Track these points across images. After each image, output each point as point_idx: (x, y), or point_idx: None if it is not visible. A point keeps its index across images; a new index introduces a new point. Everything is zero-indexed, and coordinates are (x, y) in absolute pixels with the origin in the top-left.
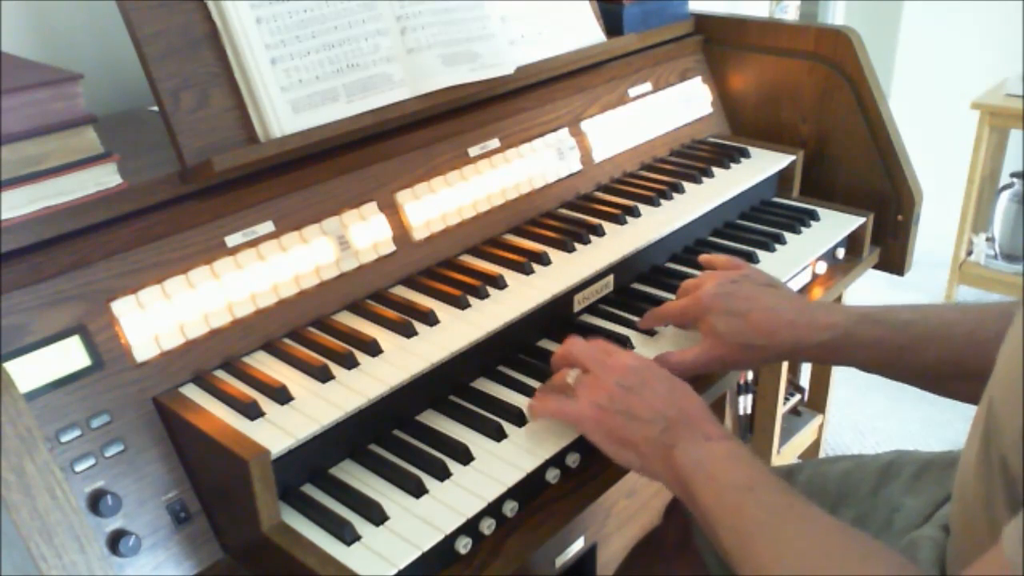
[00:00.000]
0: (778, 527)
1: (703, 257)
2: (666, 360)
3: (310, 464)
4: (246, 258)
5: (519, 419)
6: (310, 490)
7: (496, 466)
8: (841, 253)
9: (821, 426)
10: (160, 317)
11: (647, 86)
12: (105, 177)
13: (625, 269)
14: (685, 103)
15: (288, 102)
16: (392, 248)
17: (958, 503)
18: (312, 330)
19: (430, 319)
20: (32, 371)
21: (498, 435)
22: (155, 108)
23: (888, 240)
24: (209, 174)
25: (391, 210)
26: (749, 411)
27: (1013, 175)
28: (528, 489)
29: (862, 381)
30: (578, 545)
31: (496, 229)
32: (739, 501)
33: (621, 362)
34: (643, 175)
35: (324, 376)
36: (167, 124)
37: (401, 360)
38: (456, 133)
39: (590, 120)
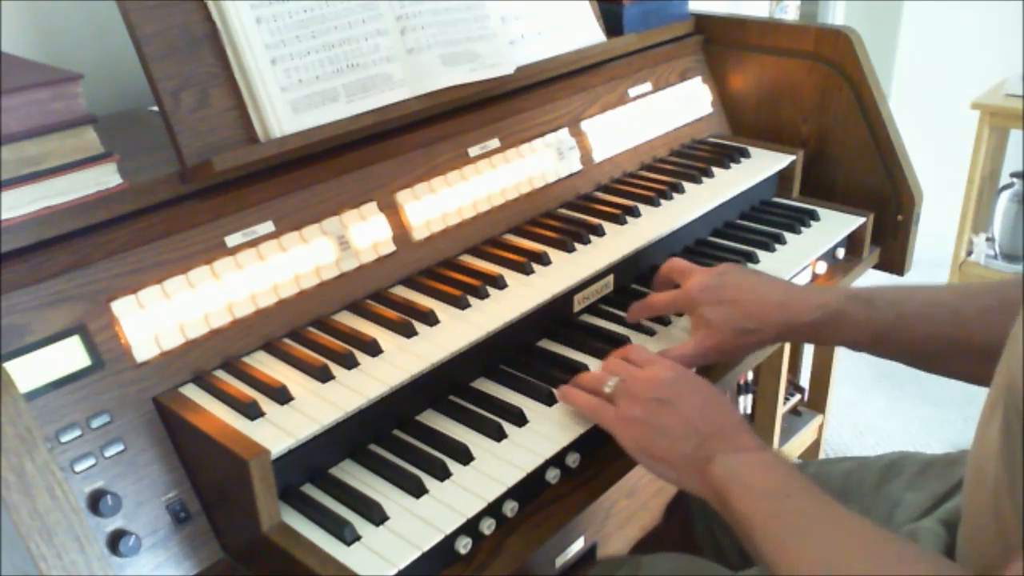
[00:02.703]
0: (817, 532)
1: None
2: (665, 356)
3: (310, 464)
4: (246, 258)
5: (519, 419)
6: (310, 490)
7: (496, 466)
8: (841, 253)
9: (821, 426)
10: (160, 317)
11: (647, 86)
12: (105, 177)
13: (625, 269)
14: (685, 103)
15: (288, 102)
16: (392, 248)
17: (972, 491)
18: (312, 330)
19: (430, 319)
20: (32, 371)
21: (498, 435)
22: (155, 108)
23: (888, 240)
24: (209, 174)
25: (391, 210)
26: (749, 411)
27: (1013, 175)
28: (528, 489)
29: (862, 381)
30: (578, 545)
31: (496, 229)
32: (775, 508)
33: (655, 375)
34: (643, 175)
35: (324, 376)
36: (167, 124)
37: (401, 360)
38: (456, 133)
39: (590, 120)
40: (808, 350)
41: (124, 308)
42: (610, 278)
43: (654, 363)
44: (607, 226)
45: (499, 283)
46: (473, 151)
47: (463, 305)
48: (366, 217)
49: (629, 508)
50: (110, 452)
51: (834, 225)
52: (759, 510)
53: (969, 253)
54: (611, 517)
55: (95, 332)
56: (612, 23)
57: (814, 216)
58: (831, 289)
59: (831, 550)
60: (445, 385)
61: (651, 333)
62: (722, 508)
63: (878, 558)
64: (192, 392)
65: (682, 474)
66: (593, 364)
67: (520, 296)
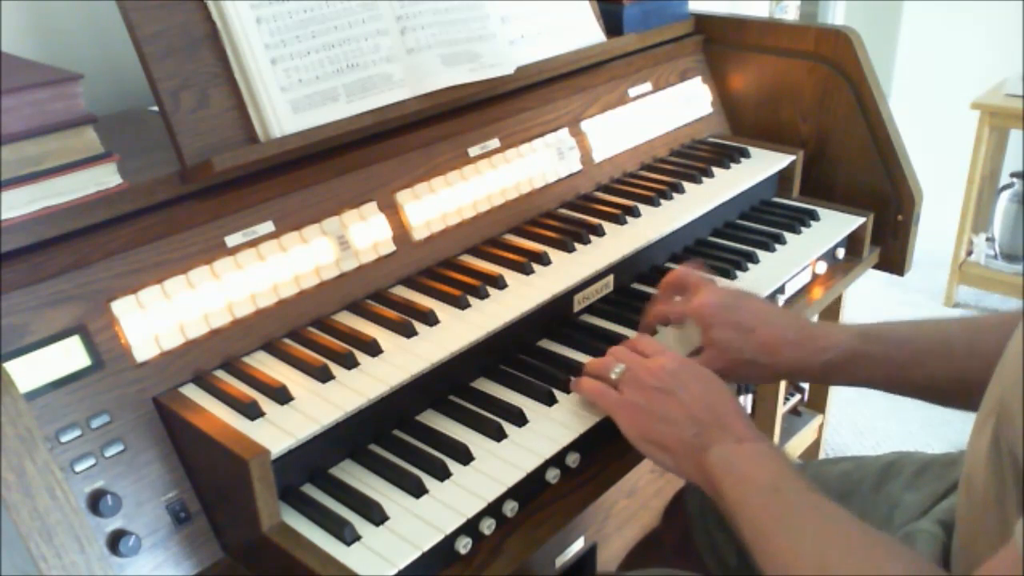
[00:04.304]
0: (800, 525)
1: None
2: None
3: (310, 464)
4: (246, 258)
5: (519, 419)
6: (310, 490)
7: (496, 466)
8: (841, 253)
9: (821, 426)
10: (160, 317)
11: (647, 86)
12: (105, 177)
13: (625, 269)
14: (685, 103)
15: (288, 102)
16: (392, 248)
17: (965, 497)
18: (312, 330)
19: (430, 319)
20: (32, 371)
21: (498, 435)
22: (155, 108)
23: (888, 240)
24: (209, 174)
25: (391, 210)
26: (749, 411)
27: (1013, 175)
28: (528, 489)
29: None
30: (578, 545)
31: (496, 229)
32: (764, 501)
33: (660, 364)
34: (643, 175)
35: (324, 376)
36: (167, 124)
37: (401, 360)
38: (456, 133)
39: (590, 120)
40: None
41: (124, 308)
42: (610, 278)
43: (660, 353)
44: (607, 226)
45: (499, 283)
46: (473, 151)
47: (463, 305)
48: (366, 217)
49: (629, 508)
50: (110, 452)
51: (834, 225)
52: (749, 503)
53: (969, 253)
54: (611, 517)
55: (95, 332)
56: (612, 23)
57: (814, 216)
58: (842, 328)
59: (813, 544)
60: (445, 385)
61: (652, 332)
62: (716, 497)
63: (859, 553)
64: (192, 392)
65: (680, 461)
66: None
67: (520, 296)
